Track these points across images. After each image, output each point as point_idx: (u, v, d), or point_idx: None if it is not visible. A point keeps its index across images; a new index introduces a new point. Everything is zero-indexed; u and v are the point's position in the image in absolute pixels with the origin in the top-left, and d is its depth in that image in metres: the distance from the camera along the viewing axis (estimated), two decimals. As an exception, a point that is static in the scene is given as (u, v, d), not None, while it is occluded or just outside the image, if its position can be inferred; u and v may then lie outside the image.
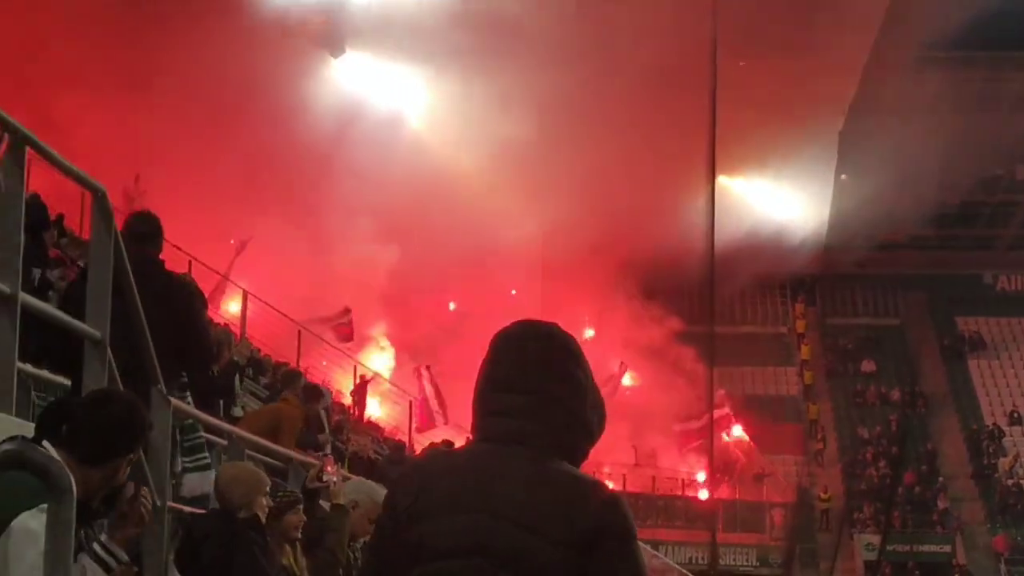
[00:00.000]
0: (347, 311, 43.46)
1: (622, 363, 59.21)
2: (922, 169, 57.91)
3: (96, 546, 4.83)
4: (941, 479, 58.53)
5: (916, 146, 57.30)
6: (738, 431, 59.30)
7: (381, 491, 9.12)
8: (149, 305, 7.52)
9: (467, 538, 3.68)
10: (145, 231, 8.61)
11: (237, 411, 15.55)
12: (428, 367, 43.25)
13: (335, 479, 8.63)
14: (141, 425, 4.91)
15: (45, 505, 4.33)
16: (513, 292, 55.24)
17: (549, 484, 3.71)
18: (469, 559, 3.66)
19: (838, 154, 61.71)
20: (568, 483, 3.72)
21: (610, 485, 4.24)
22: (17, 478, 3.42)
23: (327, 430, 15.72)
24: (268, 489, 7.75)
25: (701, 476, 55.75)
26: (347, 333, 42.69)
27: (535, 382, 3.83)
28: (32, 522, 4.19)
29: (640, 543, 3.77)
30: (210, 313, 22.80)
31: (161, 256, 8.75)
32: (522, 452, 3.76)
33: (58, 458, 3.30)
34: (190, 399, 9.13)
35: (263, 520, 7.59)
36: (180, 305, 8.43)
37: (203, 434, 9.56)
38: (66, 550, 3.21)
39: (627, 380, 60.11)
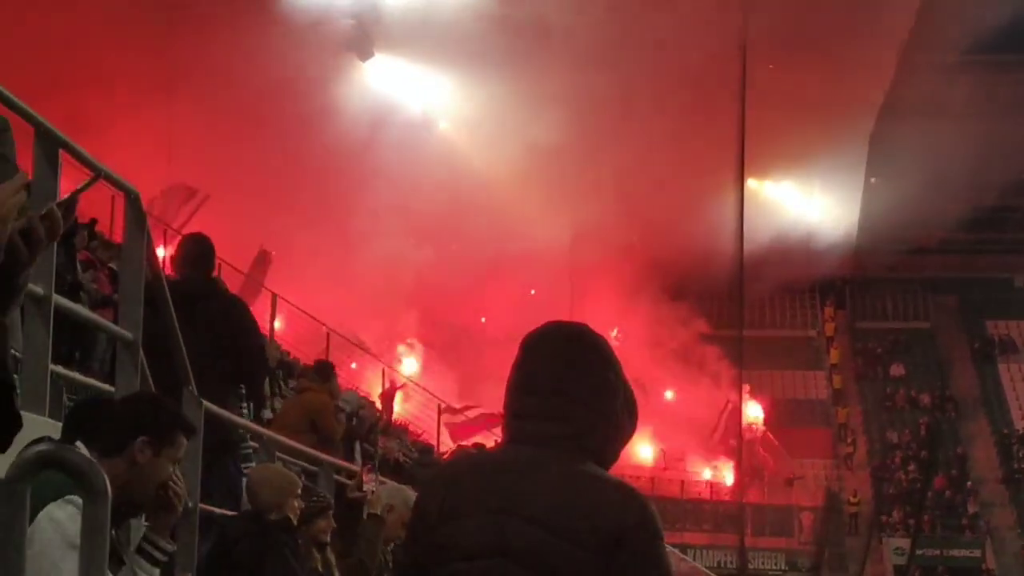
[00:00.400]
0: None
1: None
2: (953, 172, 57.66)
3: (144, 543, 4.88)
4: (971, 483, 58.31)
5: (947, 149, 57.06)
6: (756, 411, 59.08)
7: (394, 490, 9.18)
8: (208, 323, 8.33)
9: (490, 539, 3.68)
10: (198, 252, 9.09)
11: (267, 414, 15.57)
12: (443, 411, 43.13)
13: (373, 488, 8.66)
14: (166, 416, 4.91)
15: (71, 496, 4.35)
16: (532, 292, 55.07)
17: (573, 486, 3.69)
18: (492, 560, 3.66)
19: (868, 157, 61.57)
20: (593, 485, 3.70)
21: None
22: (44, 475, 3.42)
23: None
24: (299, 491, 7.75)
25: (729, 479, 55.74)
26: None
27: (562, 384, 3.81)
28: (58, 512, 4.21)
29: (668, 546, 3.74)
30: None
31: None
32: (549, 454, 3.75)
33: (92, 458, 3.29)
34: (246, 410, 9.46)
35: (295, 522, 7.59)
36: (236, 323, 8.90)
37: (251, 443, 9.72)
38: (101, 550, 3.22)
39: (655, 385, 60.05)
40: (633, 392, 3.93)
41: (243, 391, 9.50)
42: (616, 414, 3.84)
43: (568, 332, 3.92)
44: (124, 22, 43.99)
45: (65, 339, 13.27)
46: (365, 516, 8.64)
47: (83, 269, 14.81)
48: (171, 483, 4.84)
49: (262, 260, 44.31)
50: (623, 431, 3.88)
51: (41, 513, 4.37)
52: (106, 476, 4.57)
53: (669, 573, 3.66)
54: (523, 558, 3.63)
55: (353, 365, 40.74)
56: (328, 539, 8.10)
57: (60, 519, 4.41)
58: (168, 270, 9.55)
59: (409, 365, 49.74)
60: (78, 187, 3.92)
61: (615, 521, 3.62)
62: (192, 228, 38.25)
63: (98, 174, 4.10)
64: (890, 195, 61.21)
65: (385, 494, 9.07)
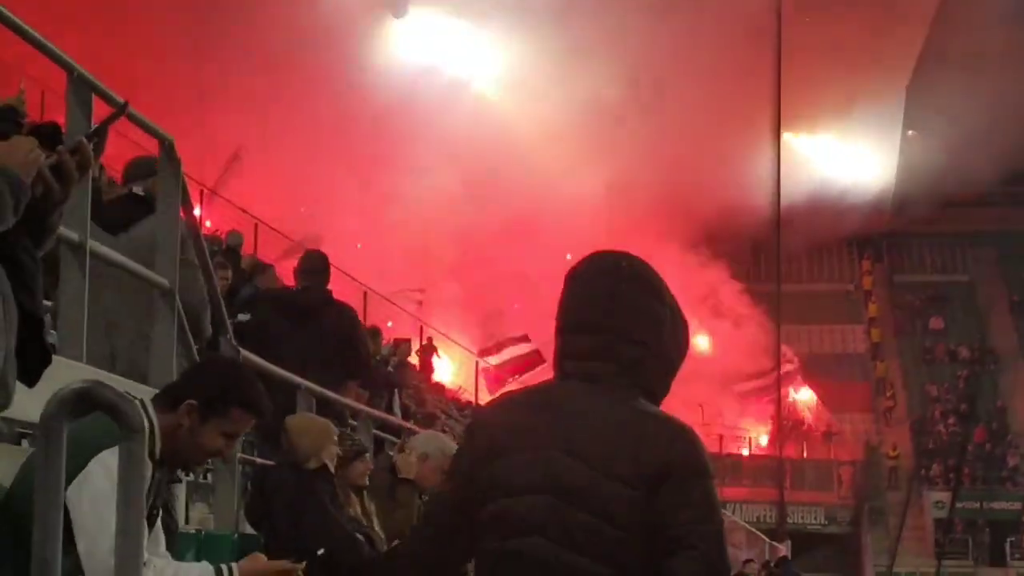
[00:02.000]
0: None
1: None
2: (991, 124, 57.24)
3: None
4: (1011, 436, 58.10)
5: (985, 100, 56.67)
6: (806, 392, 59.16)
7: (452, 444, 9.13)
8: (326, 330, 9.98)
9: (537, 475, 3.65)
10: (317, 267, 10.57)
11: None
12: (480, 360, 43.19)
13: (413, 459, 8.63)
14: (220, 386, 4.84)
15: (110, 450, 4.33)
16: (568, 256, 55.07)
17: (619, 422, 3.64)
18: (539, 497, 3.63)
19: (906, 109, 61.19)
20: (639, 420, 3.64)
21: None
22: (99, 420, 3.41)
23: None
24: (336, 438, 7.73)
25: (764, 440, 55.74)
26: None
27: (604, 319, 3.75)
28: (111, 459, 4.19)
29: (714, 485, 3.67)
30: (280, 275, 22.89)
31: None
32: (597, 389, 3.71)
33: (130, 397, 3.25)
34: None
35: (332, 470, 7.58)
36: (347, 328, 10.42)
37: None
38: (139, 489, 3.18)
39: (692, 340, 59.98)
40: (683, 317, 3.87)
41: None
42: (663, 344, 3.78)
43: (606, 263, 3.84)
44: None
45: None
46: (397, 481, 8.61)
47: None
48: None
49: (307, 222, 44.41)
50: (672, 362, 3.83)
51: (94, 459, 4.37)
52: (147, 416, 4.57)
53: (714, 511, 3.60)
54: (569, 495, 3.60)
55: (389, 323, 40.78)
56: (366, 483, 8.07)
57: (112, 466, 4.39)
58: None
59: (447, 323, 49.74)
60: (105, 119, 3.88)
61: (659, 457, 3.57)
62: (228, 187, 38.45)
63: (124, 107, 4.05)
64: (928, 147, 60.90)
65: (421, 441, 9.04)
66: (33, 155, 3.46)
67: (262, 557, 5.14)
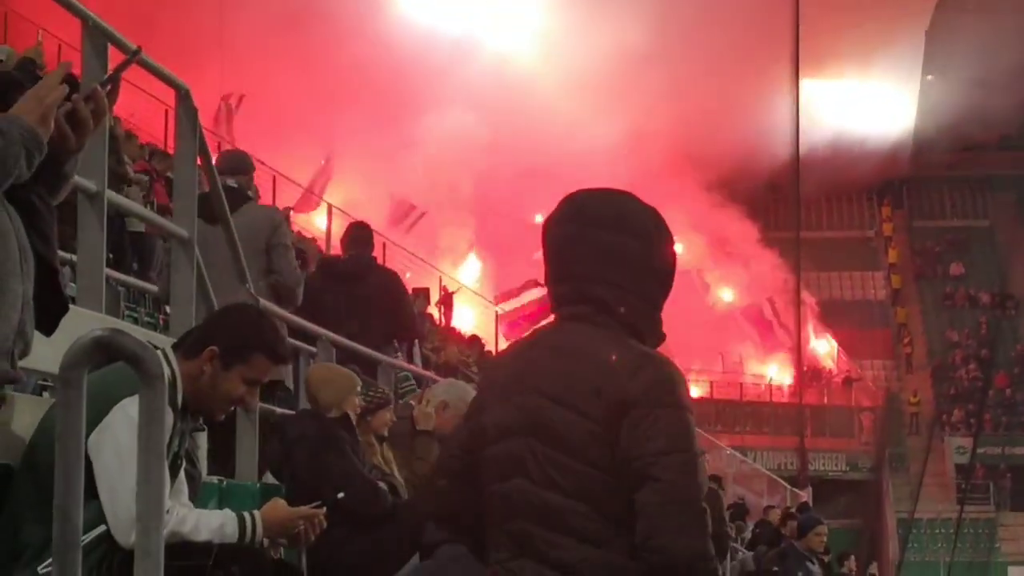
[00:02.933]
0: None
1: (707, 270, 59.09)
2: (1010, 67, 56.90)
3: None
4: (1032, 380, 58.05)
5: (1004, 44, 56.32)
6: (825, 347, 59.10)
7: (472, 391, 9.10)
8: (370, 295, 10.57)
9: (519, 417, 3.69)
10: (363, 235, 11.27)
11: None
12: (496, 308, 43.17)
13: (430, 411, 8.60)
14: (242, 332, 4.82)
15: (127, 401, 4.32)
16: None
17: (586, 357, 3.65)
18: (519, 439, 3.68)
19: (925, 53, 60.83)
20: (605, 354, 3.63)
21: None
22: (120, 369, 3.39)
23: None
24: (359, 388, 7.72)
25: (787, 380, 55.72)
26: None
27: (573, 265, 3.76)
28: (132, 407, 4.18)
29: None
30: (294, 227, 22.93)
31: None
32: (579, 329, 3.73)
33: (150, 345, 3.23)
34: (400, 354, 11.51)
35: (354, 420, 7.57)
36: (394, 293, 11.05)
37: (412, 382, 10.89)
38: (159, 437, 3.17)
39: (711, 288, 60.04)
40: (666, 248, 3.81)
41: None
42: (639, 280, 3.74)
43: (571, 209, 3.81)
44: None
45: (123, 247, 13.33)
46: (416, 433, 8.59)
47: (138, 180, 14.81)
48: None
49: (325, 171, 44.38)
50: (652, 297, 3.78)
51: (114, 408, 4.38)
52: (168, 364, 4.56)
53: (681, 440, 3.55)
54: (544, 435, 3.64)
55: (408, 274, 40.80)
56: (387, 433, 8.07)
57: (133, 414, 4.37)
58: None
59: (466, 272, 49.75)
60: (118, 65, 3.85)
61: (621, 390, 3.56)
62: (242, 138, 38.37)
63: (136, 52, 4.01)
64: (947, 92, 60.62)
65: (440, 390, 9.02)
66: (51, 98, 3.43)
67: (283, 503, 5.15)
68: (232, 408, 4.90)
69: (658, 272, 3.78)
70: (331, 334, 9.65)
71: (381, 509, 7.26)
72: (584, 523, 3.58)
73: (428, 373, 13.53)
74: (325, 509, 5.15)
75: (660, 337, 3.81)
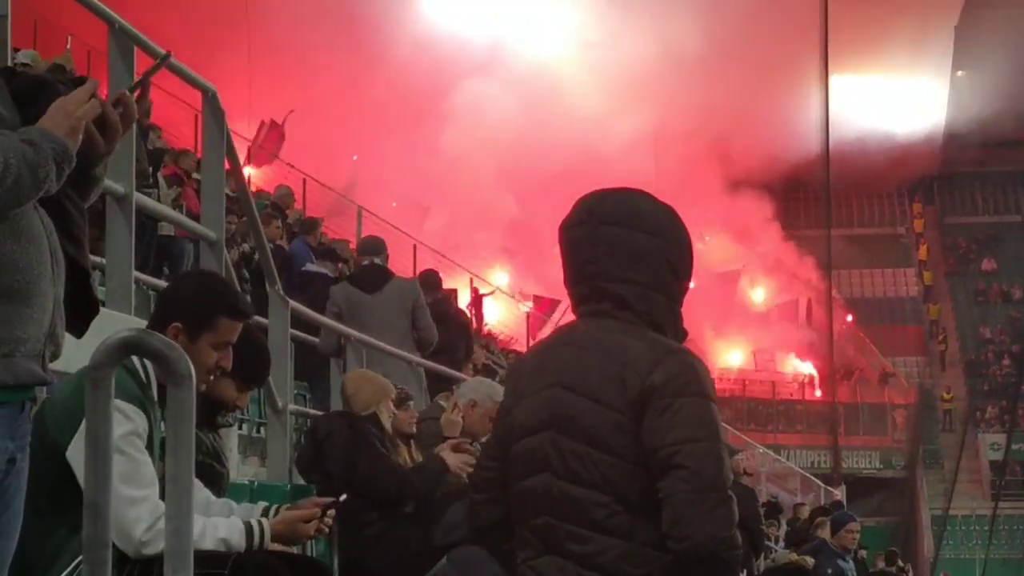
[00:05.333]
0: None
1: (739, 269, 58.98)
2: (1042, 62, 56.71)
3: None
4: (1066, 376, 57.68)
5: (1035, 38, 56.12)
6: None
7: (499, 389, 9.12)
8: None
9: (543, 413, 3.73)
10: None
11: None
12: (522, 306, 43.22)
13: (457, 419, 8.61)
14: (199, 298, 4.71)
15: (116, 401, 4.24)
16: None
17: (607, 349, 3.68)
18: (544, 433, 3.71)
19: (954, 49, 60.58)
20: (626, 346, 3.67)
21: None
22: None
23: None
24: (394, 397, 7.75)
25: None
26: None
27: (588, 266, 3.79)
28: (122, 403, 4.16)
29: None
30: (325, 230, 22.98)
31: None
32: (600, 324, 3.76)
33: (175, 342, 3.24)
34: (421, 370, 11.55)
35: (385, 424, 7.60)
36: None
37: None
38: (187, 438, 3.19)
39: (744, 286, 59.92)
40: (683, 242, 3.83)
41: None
42: (656, 275, 3.76)
43: (584, 210, 3.84)
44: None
45: (154, 252, 13.37)
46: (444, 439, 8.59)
47: (169, 185, 14.84)
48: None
49: (354, 177, 44.45)
50: (670, 291, 3.79)
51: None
52: (191, 362, 4.54)
53: (704, 429, 3.57)
54: (567, 428, 3.67)
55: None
56: (413, 430, 8.08)
57: (123, 408, 4.36)
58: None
59: (497, 277, 49.76)
60: (148, 70, 3.86)
61: (643, 380, 3.59)
62: (291, 152, 38.51)
63: (166, 56, 4.03)
64: (977, 87, 60.36)
65: (468, 388, 9.03)
66: (81, 112, 3.44)
67: (297, 507, 5.05)
68: (212, 376, 4.77)
69: (675, 267, 3.79)
70: (361, 335, 9.68)
71: (404, 503, 7.29)
72: (607, 515, 3.60)
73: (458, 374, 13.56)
74: (333, 505, 5.04)
75: (682, 333, 3.82)
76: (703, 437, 3.56)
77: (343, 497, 5.14)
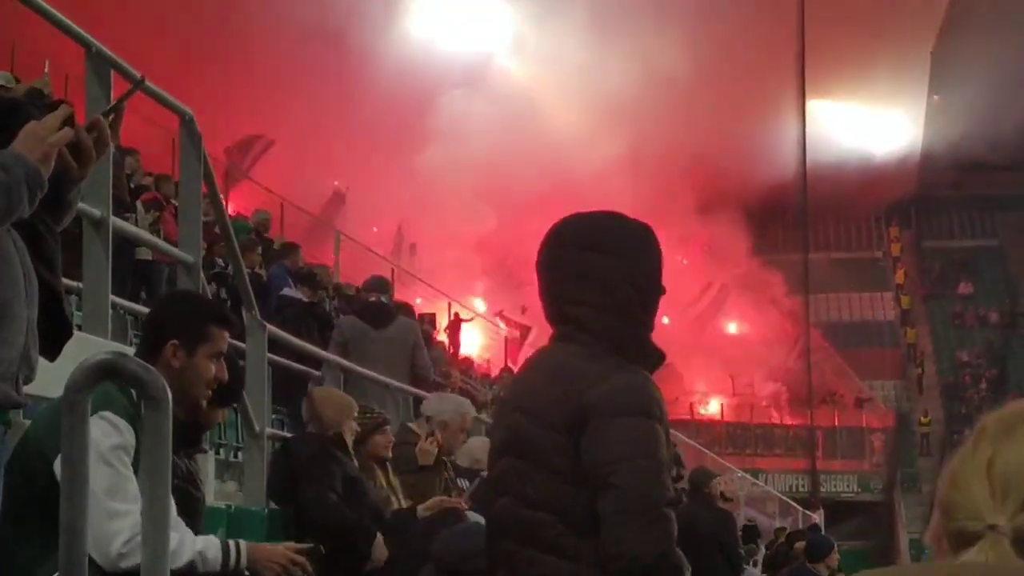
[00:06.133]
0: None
1: (720, 288, 59.10)
2: (1017, 86, 56.90)
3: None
4: (1043, 400, 57.71)
5: (1010, 63, 56.32)
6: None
7: (464, 401, 9.19)
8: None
9: (505, 439, 3.81)
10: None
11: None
12: (501, 312, 43.32)
13: (431, 448, 8.63)
14: (191, 313, 4.78)
15: (104, 412, 4.26)
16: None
17: (554, 371, 3.73)
18: (504, 458, 3.78)
19: (930, 74, 60.82)
20: (570, 368, 3.70)
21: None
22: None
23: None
24: (356, 414, 7.75)
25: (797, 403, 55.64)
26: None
27: (552, 287, 3.83)
28: (95, 430, 4.16)
29: (652, 424, 3.63)
30: (305, 255, 22.97)
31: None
32: (562, 348, 3.80)
33: (150, 365, 3.25)
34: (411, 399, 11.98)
35: (348, 441, 7.60)
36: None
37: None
38: (164, 461, 3.19)
39: (723, 311, 59.98)
40: (649, 267, 3.83)
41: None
42: (615, 298, 3.77)
43: (552, 234, 3.88)
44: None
45: (130, 276, 13.35)
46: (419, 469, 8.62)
47: (146, 210, 14.84)
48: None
49: (337, 201, 44.44)
50: (630, 314, 3.79)
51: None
52: (166, 383, 4.54)
53: (638, 447, 3.58)
54: (521, 449, 3.72)
55: (418, 300, 40.80)
56: (389, 455, 8.08)
57: (93, 435, 4.35)
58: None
59: (475, 302, 49.75)
60: (122, 95, 3.87)
61: (581, 400, 3.62)
62: (259, 173, 38.47)
63: (141, 81, 4.04)
64: (954, 111, 60.57)
65: (433, 409, 9.06)
66: (54, 138, 3.44)
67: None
68: (213, 389, 4.81)
69: (640, 290, 3.79)
70: (338, 359, 9.68)
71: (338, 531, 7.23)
72: (556, 536, 3.63)
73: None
74: (314, 546, 5.04)
75: (650, 355, 3.82)
76: (637, 455, 3.57)
77: (322, 549, 5.13)
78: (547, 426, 3.65)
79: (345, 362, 9.87)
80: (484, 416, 16.31)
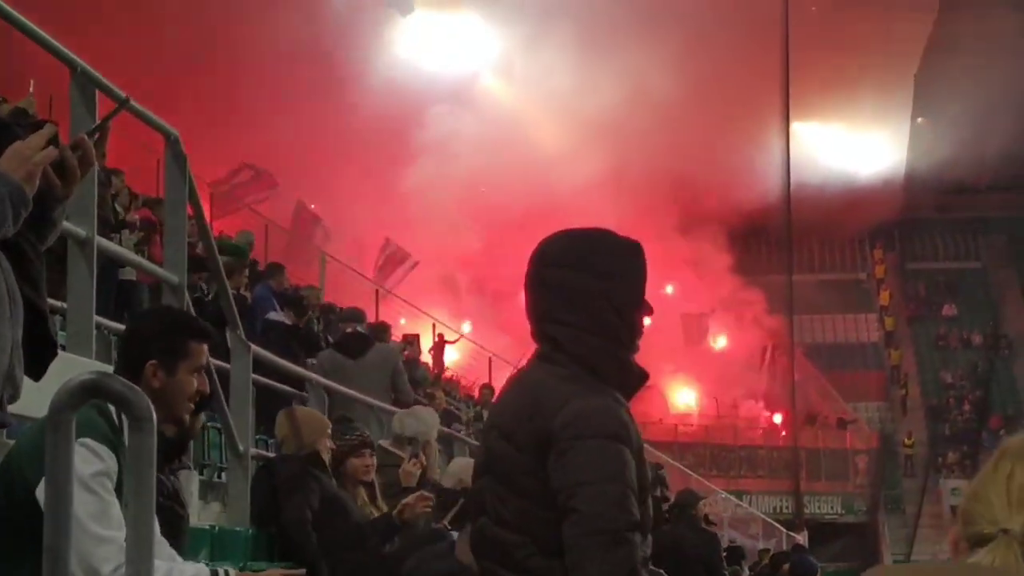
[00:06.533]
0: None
1: (705, 314, 59.14)
2: (1000, 109, 57.08)
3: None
4: (1026, 421, 57.92)
5: (994, 86, 56.53)
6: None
7: (432, 415, 9.22)
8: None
9: (482, 458, 3.84)
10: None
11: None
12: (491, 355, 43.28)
13: (414, 470, 8.65)
14: (169, 330, 4.75)
15: (84, 439, 4.23)
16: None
17: (525, 394, 3.72)
18: (483, 479, 3.78)
19: (914, 96, 61.01)
20: (538, 390, 3.69)
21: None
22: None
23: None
24: (330, 432, 7.74)
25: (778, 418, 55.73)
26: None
27: (533, 306, 3.82)
28: (75, 457, 4.14)
29: (617, 446, 3.61)
30: (291, 278, 22.93)
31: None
32: (538, 367, 3.79)
33: (135, 385, 3.23)
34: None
35: (324, 459, 7.59)
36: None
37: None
38: (149, 480, 3.17)
39: (702, 331, 59.99)
40: (633, 282, 3.81)
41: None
42: (593, 318, 3.75)
43: (537, 252, 3.87)
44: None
45: (113, 296, 13.32)
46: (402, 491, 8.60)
47: (138, 229, 14.81)
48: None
49: (312, 221, 44.34)
50: (609, 335, 3.77)
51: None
52: (151, 403, 4.52)
53: (599, 470, 3.57)
54: (495, 470, 3.72)
55: (403, 320, 40.77)
56: (370, 478, 8.05)
57: (74, 462, 4.32)
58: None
59: (462, 324, 49.69)
60: (106, 115, 3.87)
61: (546, 424, 3.61)
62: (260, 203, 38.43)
63: (125, 101, 4.03)
64: (937, 134, 60.76)
65: (411, 429, 9.04)
66: (38, 158, 3.44)
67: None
68: (196, 404, 4.78)
69: (620, 310, 3.77)
70: (321, 379, 9.67)
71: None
72: (526, 557, 3.63)
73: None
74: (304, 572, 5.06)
75: (629, 375, 3.80)
76: (597, 479, 3.55)
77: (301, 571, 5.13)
78: (518, 448, 3.65)
79: (328, 382, 9.85)
80: (464, 436, 16.30)
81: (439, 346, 36.52)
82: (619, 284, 3.77)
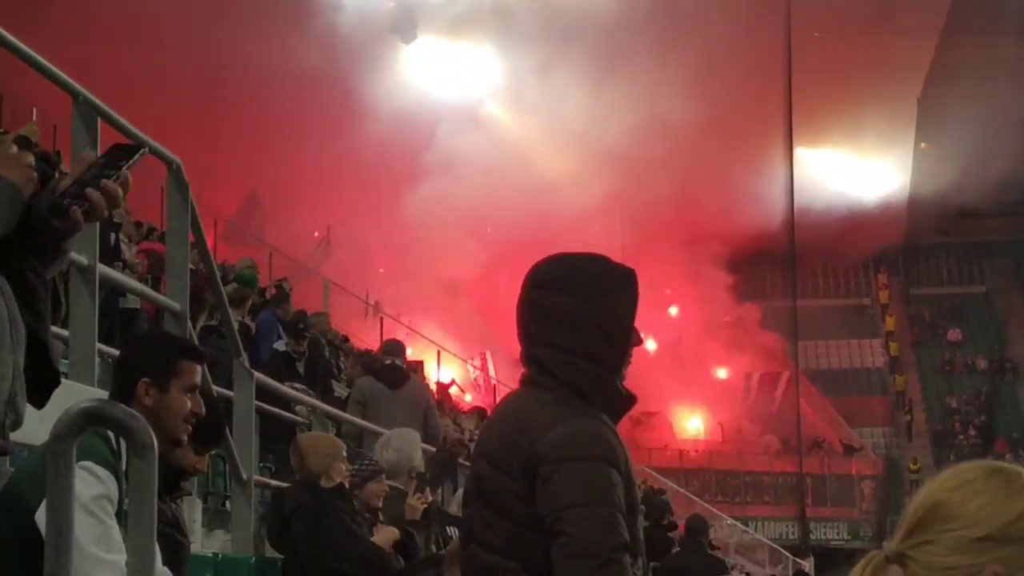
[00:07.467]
0: None
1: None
2: (1004, 133, 57.09)
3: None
4: (1033, 446, 57.84)
5: (997, 110, 56.55)
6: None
7: (414, 435, 9.24)
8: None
9: (470, 485, 3.84)
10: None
11: (339, 390, 15.90)
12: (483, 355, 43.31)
13: (418, 504, 8.64)
14: (160, 350, 4.75)
15: (84, 462, 4.22)
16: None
17: (511, 418, 3.73)
18: (472, 506, 3.78)
19: (917, 121, 61.04)
20: (524, 414, 3.69)
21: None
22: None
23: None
24: (345, 454, 7.72)
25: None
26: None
27: (522, 328, 3.82)
28: (76, 481, 4.13)
29: (604, 469, 3.60)
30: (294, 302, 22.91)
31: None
32: (525, 392, 3.79)
33: (136, 412, 3.22)
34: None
35: (346, 486, 7.57)
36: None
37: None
38: (149, 509, 3.16)
39: (708, 358, 59.97)
40: (623, 307, 3.79)
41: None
42: (581, 342, 3.74)
43: (528, 277, 3.86)
44: (162, 18, 44.20)
45: (117, 324, 13.32)
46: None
47: (150, 258, 14.82)
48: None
49: (323, 247, 44.34)
50: (597, 359, 3.76)
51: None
52: (151, 430, 4.50)
53: (585, 494, 3.56)
54: (483, 496, 3.72)
55: (409, 351, 40.78)
56: (379, 504, 8.04)
57: (75, 486, 4.31)
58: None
59: (459, 337, 49.69)
60: (129, 163, 3.86)
61: (531, 448, 3.61)
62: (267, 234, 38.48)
63: (143, 146, 4.03)
64: (941, 159, 60.74)
65: (414, 462, 9.04)
66: (24, 168, 3.44)
67: None
68: (192, 423, 4.77)
69: (609, 334, 3.75)
70: (324, 406, 9.68)
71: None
72: None
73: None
74: None
75: (616, 399, 3.79)
76: (583, 502, 3.55)
77: None
78: (505, 472, 3.64)
79: (332, 409, 9.86)
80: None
81: (443, 389, 36.65)
82: (609, 309, 3.76)
